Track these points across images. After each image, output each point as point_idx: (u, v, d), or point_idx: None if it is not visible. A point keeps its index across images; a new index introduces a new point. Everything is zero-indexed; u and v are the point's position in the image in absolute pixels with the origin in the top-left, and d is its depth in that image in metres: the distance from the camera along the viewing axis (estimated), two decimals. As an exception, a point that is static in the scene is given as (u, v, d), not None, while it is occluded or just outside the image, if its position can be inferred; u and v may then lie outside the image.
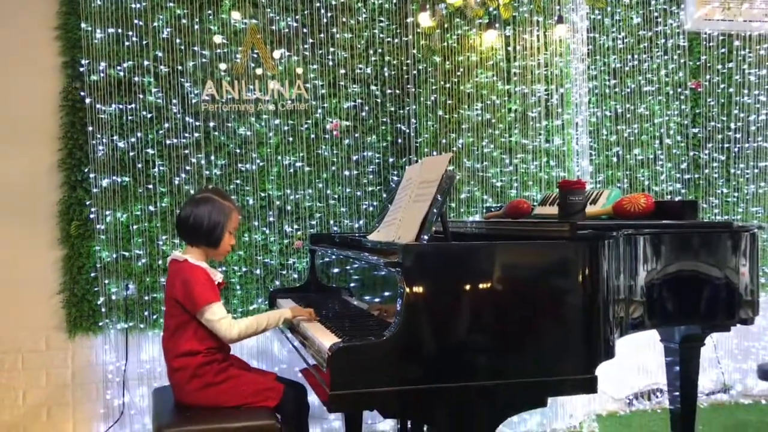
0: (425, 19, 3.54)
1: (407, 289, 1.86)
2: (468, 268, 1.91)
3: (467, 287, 1.90)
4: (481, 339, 1.90)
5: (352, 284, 2.84)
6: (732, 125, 4.29)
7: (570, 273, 1.96)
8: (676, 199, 4.22)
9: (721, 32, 4.28)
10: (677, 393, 3.15)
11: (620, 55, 4.16)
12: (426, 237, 2.16)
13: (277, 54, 3.68)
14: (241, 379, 2.45)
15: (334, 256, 3.02)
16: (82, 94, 3.51)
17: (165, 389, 2.62)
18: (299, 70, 3.73)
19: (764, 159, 4.34)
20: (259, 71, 3.67)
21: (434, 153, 3.76)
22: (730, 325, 2.86)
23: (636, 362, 4.16)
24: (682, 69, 4.24)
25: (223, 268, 3.59)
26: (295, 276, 3.72)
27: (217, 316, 2.37)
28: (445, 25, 3.76)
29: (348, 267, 2.85)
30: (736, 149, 4.31)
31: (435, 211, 2.24)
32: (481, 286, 1.91)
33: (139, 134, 3.55)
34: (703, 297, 2.52)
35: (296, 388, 2.57)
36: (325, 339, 2.10)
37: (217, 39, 3.63)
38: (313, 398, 2.64)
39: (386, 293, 2.23)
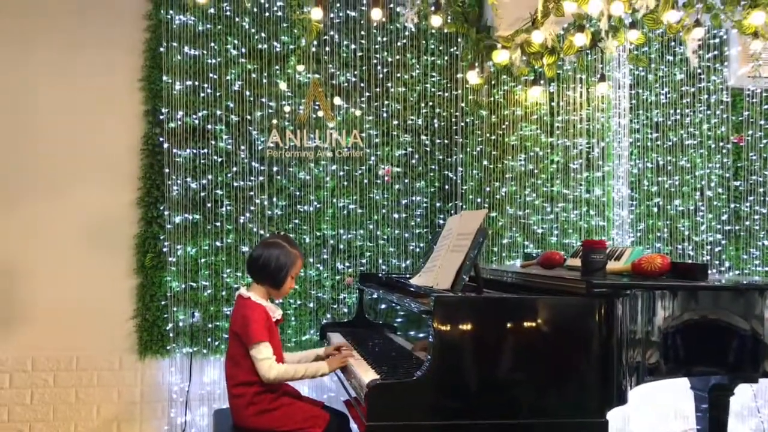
0: (473, 77, 3.81)
1: (437, 335, 2.12)
2: (491, 318, 2.16)
3: (490, 336, 2.15)
4: (501, 383, 2.13)
5: (395, 323, 3.10)
6: (774, 179, 4.40)
7: (585, 327, 2.18)
8: (717, 249, 4.34)
9: (765, 89, 4.40)
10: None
11: (663, 109, 4.33)
12: (460, 286, 2.42)
13: (337, 101, 4.00)
14: (292, 407, 2.73)
15: (379, 297, 3.29)
16: (161, 139, 3.91)
17: (224, 411, 2.92)
18: (356, 119, 4.05)
19: (806, 213, 4.42)
20: (319, 120, 4.01)
21: (479, 200, 4.01)
22: (757, 377, 3.00)
23: (673, 407, 4.27)
24: (725, 124, 4.38)
25: (280, 301, 3.90)
26: (345, 310, 4.01)
27: (261, 355, 2.63)
28: (492, 82, 4.03)
29: (392, 307, 3.11)
30: (779, 202, 4.41)
31: (468, 262, 2.50)
32: (502, 335, 2.15)
33: (209, 176, 3.92)
34: (723, 349, 2.68)
35: (340, 417, 2.83)
36: (365, 375, 2.36)
37: (282, 86, 3.99)
38: (355, 426, 2.89)
39: (425, 334, 2.49)
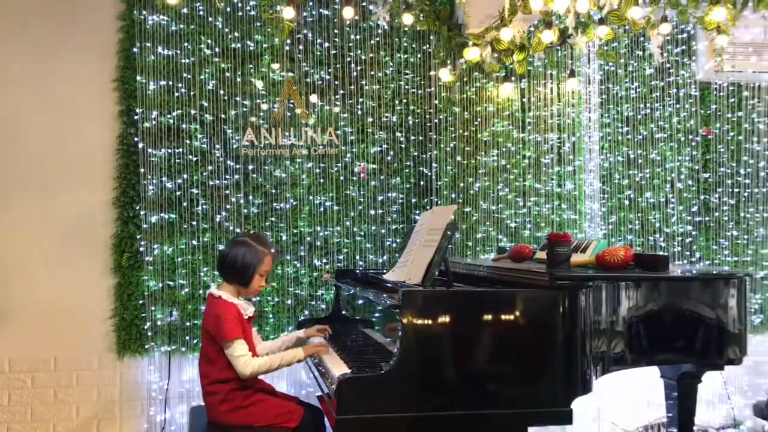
0: (445, 74, 3.85)
1: (405, 329, 2.17)
2: (457, 312, 2.21)
3: (456, 329, 2.20)
4: (468, 374, 2.19)
5: (370, 318, 3.14)
6: (742, 171, 4.50)
7: (548, 318, 2.24)
8: (687, 240, 4.43)
9: (731, 83, 4.50)
10: (674, 429, 3.35)
11: (633, 103, 4.41)
12: (430, 280, 2.47)
13: (314, 99, 4.03)
14: (266, 403, 2.77)
15: (355, 293, 3.33)
16: (136, 139, 3.92)
17: (201, 408, 2.95)
18: (332, 117, 4.09)
19: (774, 204, 4.53)
20: (294, 118, 4.04)
21: (453, 195, 4.06)
22: (722, 365, 3.09)
23: (648, 396, 4.35)
24: (694, 117, 4.46)
25: (258, 299, 3.94)
26: (323, 306, 4.05)
27: (237, 352, 2.67)
28: (464, 78, 4.08)
29: (367, 302, 3.16)
30: (746, 194, 4.50)
31: (438, 257, 2.55)
32: (468, 327, 2.20)
33: (185, 176, 3.94)
34: (687, 338, 2.75)
35: (315, 412, 2.87)
36: (337, 369, 2.41)
37: (259, 85, 4.02)
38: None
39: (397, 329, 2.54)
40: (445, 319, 2.20)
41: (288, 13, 3.43)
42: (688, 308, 2.69)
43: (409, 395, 2.15)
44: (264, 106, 4.01)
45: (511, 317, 2.24)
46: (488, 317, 2.22)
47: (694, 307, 2.71)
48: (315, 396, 3.67)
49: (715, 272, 2.94)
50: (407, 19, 3.59)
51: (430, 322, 2.18)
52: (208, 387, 2.77)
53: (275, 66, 4.02)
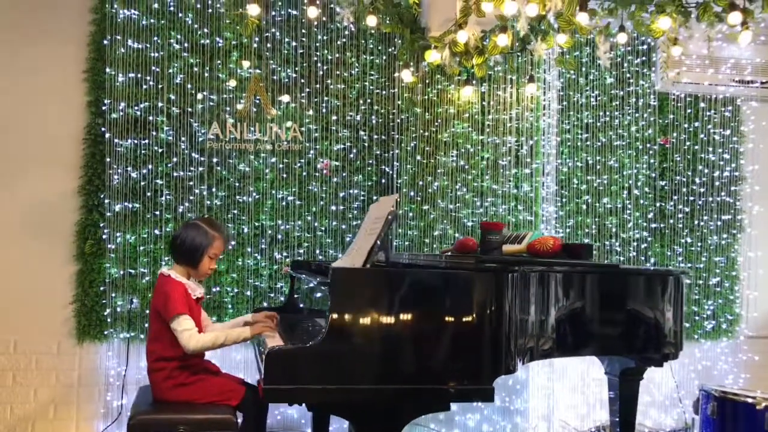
0: (407, 75, 3.97)
1: (332, 303, 2.26)
2: (382, 288, 2.30)
3: (381, 305, 2.29)
4: (392, 350, 2.27)
5: (320, 306, 3.22)
6: (697, 180, 4.62)
7: (471, 298, 2.33)
8: (643, 246, 4.54)
9: (689, 94, 4.63)
10: (618, 428, 3.45)
11: (593, 111, 4.53)
12: (369, 263, 2.57)
13: (285, 99, 4.13)
14: (209, 381, 2.85)
15: (311, 283, 3.41)
16: (103, 129, 4.01)
17: (148, 388, 3.02)
18: (296, 115, 4.19)
19: (727, 213, 4.64)
20: (260, 113, 4.14)
21: (412, 193, 4.17)
22: (660, 360, 3.19)
23: (600, 397, 4.44)
24: (652, 126, 4.59)
25: (217, 289, 4.02)
26: (282, 299, 4.12)
27: (181, 327, 2.75)
28: (427, 80, 4.19)
29: (319, 292, 3.24)
30: (701, 202, 4.62)
31: (379, 243, 2.64)
32: (392, 305, 2.29)
33: (150, 166, 4.02)
34: (619, 328, 2.85)
35: (256, 392, 2.94)
36: (273, 344, 2.49)
37: (231, 83, 4.12)
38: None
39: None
40: (370, 295, 2.28)
41: (253, 9, 3.54)
42: (620, 299, 2.78)
43: (334, 368, 2.23)
44: (238, 106, 4.10)
45: (435, 296, 2.32)
46: (412, 295, 2.31)
47: (627, 298, 2.81)
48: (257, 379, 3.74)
49: (630, 267, 3.03)
50: (371, 20, 3.71)
51: (355, 298, 2.27)
52: (153, 364, 2.84)
53: (246, 64, 4.12)
